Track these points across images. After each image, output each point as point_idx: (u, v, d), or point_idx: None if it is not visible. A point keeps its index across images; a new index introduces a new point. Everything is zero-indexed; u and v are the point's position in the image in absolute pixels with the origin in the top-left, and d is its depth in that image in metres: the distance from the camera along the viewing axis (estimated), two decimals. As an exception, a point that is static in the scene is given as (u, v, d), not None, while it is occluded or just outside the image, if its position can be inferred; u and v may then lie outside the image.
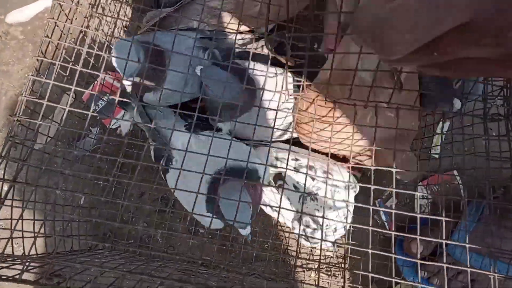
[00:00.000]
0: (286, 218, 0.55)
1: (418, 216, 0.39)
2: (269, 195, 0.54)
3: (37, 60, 0.43)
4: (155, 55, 0.48)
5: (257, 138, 0.54)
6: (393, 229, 0.62)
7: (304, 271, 0.61)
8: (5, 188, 0.39)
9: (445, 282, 0.41)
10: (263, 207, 0.56)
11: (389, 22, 0.16)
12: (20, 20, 0.69)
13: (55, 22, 0.44)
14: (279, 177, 0.54)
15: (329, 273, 0.60)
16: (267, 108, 0.48)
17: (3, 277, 0.35)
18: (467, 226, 0.49)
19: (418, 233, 0.39)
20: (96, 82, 0.65)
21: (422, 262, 0.39)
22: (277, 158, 0.53)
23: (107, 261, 0.46)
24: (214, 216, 0.40)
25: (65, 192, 0.63)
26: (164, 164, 0.49)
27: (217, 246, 0.62)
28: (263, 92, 0.47)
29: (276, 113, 0.43)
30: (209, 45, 0.54)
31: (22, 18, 0.69)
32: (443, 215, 0.38)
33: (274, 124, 0.43)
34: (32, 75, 0.42)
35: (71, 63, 0.46)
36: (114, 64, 0.46)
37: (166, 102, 0.53)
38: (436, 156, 0.62)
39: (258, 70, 0.50)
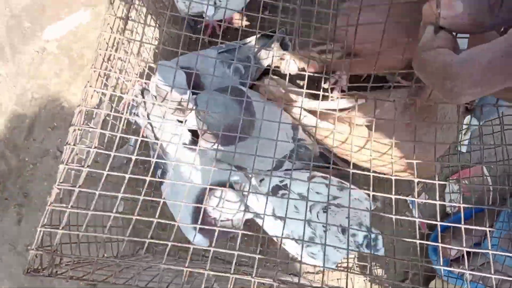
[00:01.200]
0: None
1: (438, 223, 0.39)
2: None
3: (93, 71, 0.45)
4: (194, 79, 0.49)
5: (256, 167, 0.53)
6: (425, 229, 0.64)
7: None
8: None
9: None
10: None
11: (459, 76, 0.17)
12: (55, 36, 0.71)
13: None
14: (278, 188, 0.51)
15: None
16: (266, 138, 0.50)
17: (74, 277, 0.38)
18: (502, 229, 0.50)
19: (451, 235, 0.41)
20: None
21: (449, 269, 0.40)
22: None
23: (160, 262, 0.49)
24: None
25: (104, 199, 0.66)
26: (159, 176, 0.52)
27: (252, 247, 0.64)
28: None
29: (276, 144, 0.43)
30: (230, 58, 0.57)
31: (57, 33, 0.71)
32: (462, 222, 0.40)
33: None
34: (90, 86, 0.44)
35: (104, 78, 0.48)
36: (160, 86, 0.48)
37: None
38: (464, 150, 0.63)
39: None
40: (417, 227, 0.38)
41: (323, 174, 0.50)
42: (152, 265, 0.39)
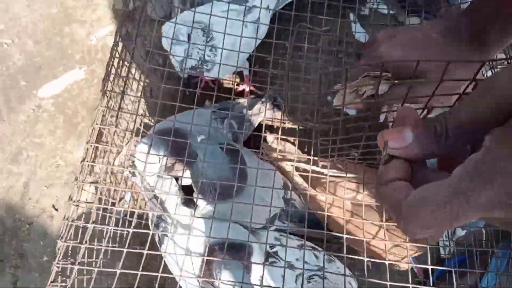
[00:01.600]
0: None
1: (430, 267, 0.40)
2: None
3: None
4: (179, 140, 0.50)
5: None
6: (420, 274, 0.64)
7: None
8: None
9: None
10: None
11: (408, 218, 0.17)
12: (51, 94, 0.73)
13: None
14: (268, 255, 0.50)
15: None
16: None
17: None
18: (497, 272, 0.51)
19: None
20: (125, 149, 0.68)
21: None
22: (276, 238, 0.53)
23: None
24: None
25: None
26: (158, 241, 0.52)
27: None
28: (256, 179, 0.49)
29: (271, 204, 0.44)
30: (224, 115, 0.59)
31: (53, 91, 0.73)
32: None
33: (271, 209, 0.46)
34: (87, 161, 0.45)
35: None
36: (138, 166, 0.49)
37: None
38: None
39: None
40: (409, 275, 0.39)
41: (313, 245, 0.50)
42: None
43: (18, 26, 0.76)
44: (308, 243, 0.49)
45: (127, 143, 0.67)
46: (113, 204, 0.66)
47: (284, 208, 0.56)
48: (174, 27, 0.56)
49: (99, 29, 0.76)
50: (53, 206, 0.69)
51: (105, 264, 0.51)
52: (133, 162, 0.57)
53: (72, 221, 0.44)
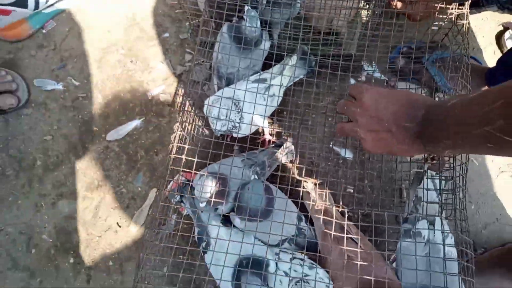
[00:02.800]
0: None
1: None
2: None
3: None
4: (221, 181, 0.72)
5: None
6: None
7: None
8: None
9: None
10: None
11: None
12: (116, 138, 0.96)
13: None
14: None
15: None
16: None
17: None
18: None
19: None
20: (174, 182, 0.90)
21: None
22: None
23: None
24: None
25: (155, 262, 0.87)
26: (203, 247, 0.73)
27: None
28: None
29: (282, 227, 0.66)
30: (250, 163, 0.81)
31: (117, 136, 0.96)
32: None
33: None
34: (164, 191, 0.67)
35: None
36: (196, 193, 0.71)
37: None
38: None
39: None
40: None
41: (301, 256, 0.71)
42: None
43: (91, 83, 1.00)
44: (298, 255, 0.71)
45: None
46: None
47: (296, 234, 0.77)
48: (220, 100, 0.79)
49: (154, 88, 0.99)
50: (117, 224, 0.91)
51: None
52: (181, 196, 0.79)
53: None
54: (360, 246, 0.71)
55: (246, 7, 0.79)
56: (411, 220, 0.71)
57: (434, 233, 0.67)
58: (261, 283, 0.66)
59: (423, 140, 0.50)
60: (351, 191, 0.87)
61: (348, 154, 0.91)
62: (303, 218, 0.79)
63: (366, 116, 0.53)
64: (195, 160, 0.71)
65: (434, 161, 0.66)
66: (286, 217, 0.75)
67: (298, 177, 0.84)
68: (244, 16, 0.79)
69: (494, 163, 0.90)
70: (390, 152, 0.55)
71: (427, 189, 0.71)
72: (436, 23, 0.80)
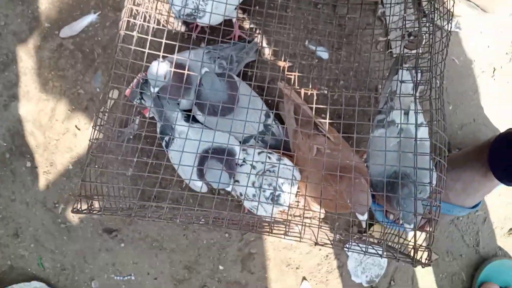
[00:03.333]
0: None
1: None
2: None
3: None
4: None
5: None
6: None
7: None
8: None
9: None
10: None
11: None
12: (70, 34, 0.87)
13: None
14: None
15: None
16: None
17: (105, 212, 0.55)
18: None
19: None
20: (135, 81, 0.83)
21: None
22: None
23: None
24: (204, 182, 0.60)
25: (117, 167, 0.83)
26: (166, 145, 0.69)
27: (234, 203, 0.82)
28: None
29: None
30: (216, 55, 0.74)
31: (72, 32, 0.87)
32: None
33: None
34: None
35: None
36: (149, 78, 0.65)
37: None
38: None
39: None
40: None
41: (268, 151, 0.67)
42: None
43: (40, -26, 0.88)
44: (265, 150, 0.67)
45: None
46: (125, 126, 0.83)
47: (262, 132, 0.72)
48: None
49: (110, -21, 0.88)
50: (76, 127, 0.85)
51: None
52: (141, 92, 0.73)
53: (96, 139, 0.61)
54: (327, 137, 0.67)
55: None
56: (385, 111, 0.67)
57: (408, 120, 0.63)
58: (224, 168, 0.62)
59: None
60: (325, 92, 0.82)
61: (324, 54, 0.84)
62: (271, 115, 0.74)
63: None
64: (146, 51, 0.63)
65: (411, 37, 0.60)
66: (253, 114, 0.71)
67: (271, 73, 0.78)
68: None
69: (476, 62, 0.84)
70: None
71: (402, 81, 0.65)
72: None
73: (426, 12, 0.80)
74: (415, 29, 0.79)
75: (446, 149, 0.59)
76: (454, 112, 0.82)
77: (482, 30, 0.85)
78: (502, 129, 0.77)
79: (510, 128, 0.68)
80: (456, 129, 0.82)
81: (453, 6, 0.65)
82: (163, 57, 0.68)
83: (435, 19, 0.70)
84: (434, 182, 0.56)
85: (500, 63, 0.85)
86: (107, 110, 0.67)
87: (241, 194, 0.66)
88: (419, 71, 0.66)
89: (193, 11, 0.72)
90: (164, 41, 0.66)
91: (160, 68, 0.64)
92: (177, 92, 0.69)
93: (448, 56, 0.80)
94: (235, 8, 0.80)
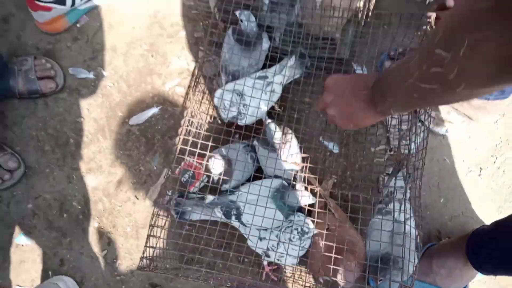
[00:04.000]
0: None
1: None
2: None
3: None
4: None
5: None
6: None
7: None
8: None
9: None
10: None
11: None
12: (137, 122, 1.11)
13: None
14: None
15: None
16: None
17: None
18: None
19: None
20: (184, 163, 1.05)
21: None
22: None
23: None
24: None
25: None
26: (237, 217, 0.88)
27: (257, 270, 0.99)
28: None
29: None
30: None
31: (138, 121, 1.11)
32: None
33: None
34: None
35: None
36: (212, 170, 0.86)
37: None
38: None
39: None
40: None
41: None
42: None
43: (117, 74, 1.15)
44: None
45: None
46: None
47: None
48: (223, 93, 0.92)
49: (170, 80, 1.13)
50: (135, 196, 1.07)
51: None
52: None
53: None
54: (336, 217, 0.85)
55: (237, 12, 0.90)
56: (385, 201, 0.84)
57: (399, 213, 0.80)
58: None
59: (374, 103, 0.59)
60: (335, 180, 1.00)
61: (335, 148, 1.03)
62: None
63: (331, 95, 0.67)
64: (199, 142, 0.85)
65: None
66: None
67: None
68: (239, 18, 0.91)
69: (465, 162, 1.01)
70: (354, 124, 0.65)
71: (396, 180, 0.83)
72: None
73: (421, 118, 0.99)
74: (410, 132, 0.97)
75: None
76: (445, 205, 0.98)
77: (470, 135, 1.02)
78: (487, 222, 0.92)
79: (484, 225, 0.83)
80: (446, 220, 0.97)
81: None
82: (212, 150, 0.90)
83: (429, 125, 0.89)
84: (417, 261, 0.73)
85: (486, 164, 1.01)
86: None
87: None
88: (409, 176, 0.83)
89: (237, 114, 0.94)
90: (209, 143, 0.87)
91: (216, 165, 0.86)
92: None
93: (441, 156, 0.98)
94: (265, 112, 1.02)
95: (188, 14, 1.18)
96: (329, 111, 0.68)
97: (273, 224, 0.84)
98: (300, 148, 0.95)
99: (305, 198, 0.88)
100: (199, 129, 0.95)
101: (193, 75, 0.94)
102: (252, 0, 0.90)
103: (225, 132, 1.06)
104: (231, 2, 0.90)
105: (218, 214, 0.89)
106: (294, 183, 0.90)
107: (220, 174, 0.87)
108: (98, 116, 1.13)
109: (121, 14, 1.19)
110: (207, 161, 0.88)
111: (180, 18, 1.18)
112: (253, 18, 0.91)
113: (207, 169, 0.89)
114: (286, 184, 0.89)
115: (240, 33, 0.93)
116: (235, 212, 0.88)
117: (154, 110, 1.11)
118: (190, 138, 0.88)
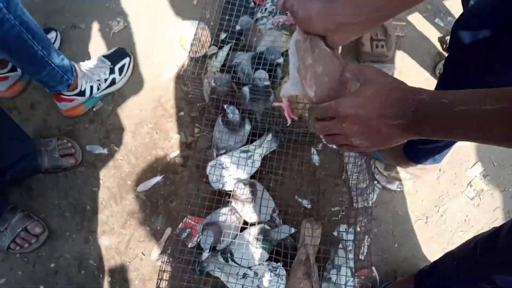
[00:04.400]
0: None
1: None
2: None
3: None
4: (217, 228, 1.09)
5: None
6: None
7: None
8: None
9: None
10: None
11: None
12: (144, 189, 1.33)
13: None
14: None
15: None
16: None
17: None
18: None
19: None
20: (182, 223, 1.26)
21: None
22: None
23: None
24: None
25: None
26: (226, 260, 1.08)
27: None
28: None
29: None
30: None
31: (145, 188, 1.33)
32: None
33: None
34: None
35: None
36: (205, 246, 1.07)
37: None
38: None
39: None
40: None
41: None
42: None
43: (127, 149, 1.39)
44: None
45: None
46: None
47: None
48: (215, 164, 1.16)
49: (172, 153, 1.37)
50: (142, 253, 1.26)
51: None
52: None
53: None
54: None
55: (225, 105, 1.17)
56: (328, 269, 1.05)
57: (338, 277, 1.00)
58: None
59: (416, 132, 0.49)
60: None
61: (308, 205, 1.25)
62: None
63: (354, 126, 0.51)
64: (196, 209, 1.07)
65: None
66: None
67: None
68: (226, 111, 1.17)
69: (414, 212, 1.23)
70: (387, 145, 0.54)
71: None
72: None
73: (376, 177, 1.23)
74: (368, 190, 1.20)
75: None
76: (399, 249, 1.19)
77: (417, 189, 1.25)
78: (434, 261, 1.12)
79: (425, 266, 1.03)
80: (400, 261, 1.17)
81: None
82: (205, 212, 1.11)
83: (383, 183, 1.12)
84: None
85: (431, 213, 1.23)
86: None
87: None
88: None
89: (223, 185, 1.17)
90: (207, 202, 1.09)
91: (208, 238, 1.06)
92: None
93: (394, 208, 1.20)
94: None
95: (186, 98, 1.45)
96: (353, 142, 0.54)
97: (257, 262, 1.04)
98: (277, 204, 1.17)
99: (284, 231, 1.09)
100: (197, 192, 1.17)
101: (190, 147, 1.18)
102: (236, 98, 1.17)
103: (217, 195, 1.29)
104: (220, 100, 1.16)
105: (221, 259, 1.07)
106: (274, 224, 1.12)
107: (213, 243, 1.07)
108: (111, 185, 1.35)
109: (130, 99, 1.46)
110: (201, 232, 1.08)
111: (179, 101, 1.45)
112: (237, 111, 1.17)
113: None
114: (267, 227, 1.09)
115: (227, 122, 1.19)
116: (229, 255, 1.07)
117: (158, 178, 1.34)
118: (189, 207, 1.09)
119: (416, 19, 1.47)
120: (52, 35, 1.51)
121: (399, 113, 0.48)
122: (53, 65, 1.22)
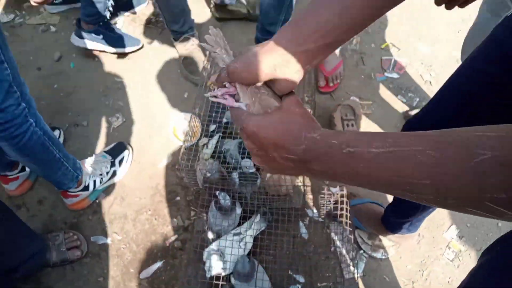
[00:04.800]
0: None
1: None
2: None
3: None
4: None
5: None
6: None
7: None
8: None
9: None
10: None
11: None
12: (146, 276, 1.41)
13: None
14: None
15: None
16: None
17: None
18: None
19: None
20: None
21: None
22: None
23: None
24: None
25: None
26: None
27: None
28: None
29: None
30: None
31: (147, 274, 1.41)
32: None
33: None
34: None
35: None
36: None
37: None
38: None
39: None
40: None
41: None
42: None
43: (128, 237, 1.49)
44: None
45: None
46: None
47: None
48: (209, 251, 1.26)
49: (170, 237, 1.47)
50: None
51: None
52: None
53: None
54: None
55: (217, 192, 1.30)
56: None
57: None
58: None
59: (305, 167, 0.45)
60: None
61: (301, 279, 1.33)
62: None
63: (253, 146, 0.49)
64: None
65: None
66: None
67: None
68: (218, 197, 1.30)
69: (399, 278, 1.31)
70: (284, 174, 0.51)
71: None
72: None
73: (362, 246, 1.32)
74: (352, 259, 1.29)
75: None
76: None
77: (401, 256, 1.34)
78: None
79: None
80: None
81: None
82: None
83: (369, 252, 1.22)
84: None
85: (416, 277, 1.31)
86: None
87: None
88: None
89: (220, 271, 1.26)
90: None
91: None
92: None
93: (381, 275, 1.29)
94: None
95: (181, 183, 1.58)
96: (252, 157, 0.52)
97: None
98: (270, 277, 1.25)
99: None
100: (195, 276, 1.25)
101: (187, 230, 1.28)
102: (227, 183, 1.31)
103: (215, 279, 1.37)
104: (212, 188, 1.30)
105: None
106: None
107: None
108: (114, 274, 1.43)
109: (130, 188, 1.59)
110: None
111: (175, 187, 1.58)
112: (227, 197, 1.30)
113: None
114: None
115: (220, 207, 1.31)
116: None
117: (159, 264, 1.42)
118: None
119: (380, 98, 1.66)
120: (55, 134, 1.68)
121: (291, 148, 0.45)
122: (66, 165, 1.36)
